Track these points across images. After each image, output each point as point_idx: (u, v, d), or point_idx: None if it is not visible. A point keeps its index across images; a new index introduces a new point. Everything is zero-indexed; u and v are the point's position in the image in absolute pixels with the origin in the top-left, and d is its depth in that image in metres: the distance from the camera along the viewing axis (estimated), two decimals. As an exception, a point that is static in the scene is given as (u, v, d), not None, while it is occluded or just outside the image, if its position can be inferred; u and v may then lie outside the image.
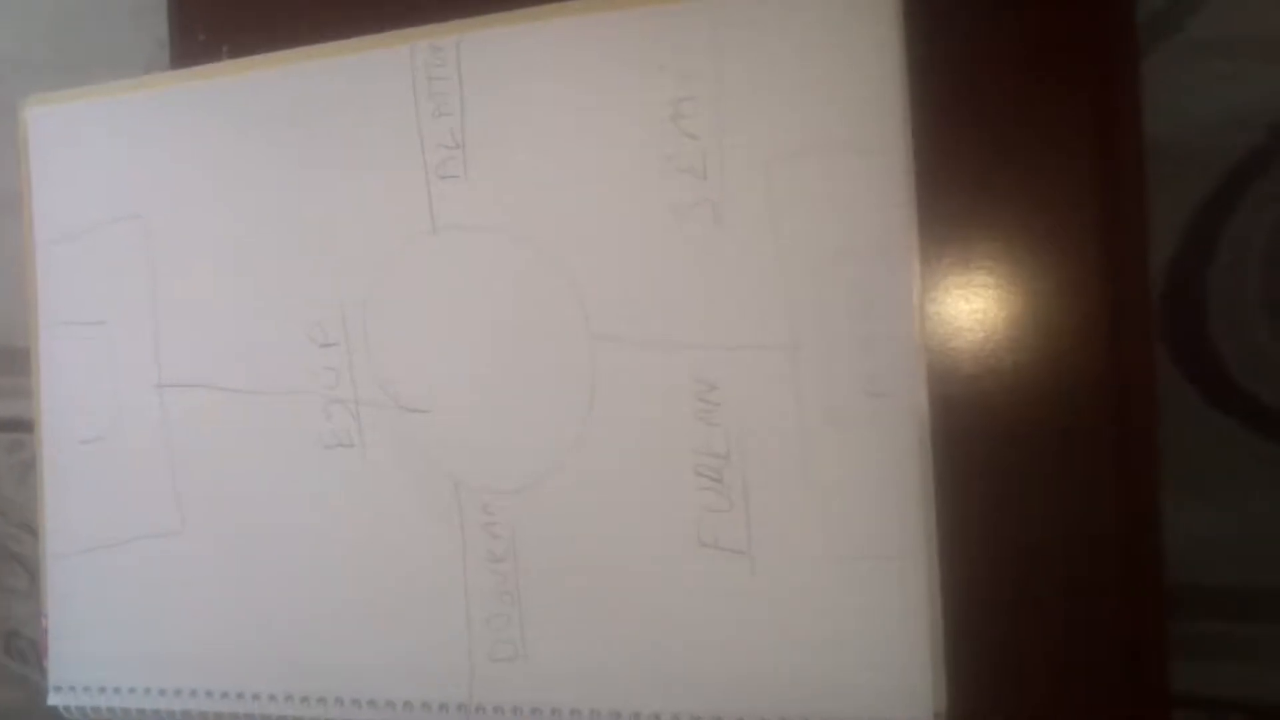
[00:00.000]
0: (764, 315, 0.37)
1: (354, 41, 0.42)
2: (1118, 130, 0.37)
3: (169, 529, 0.45)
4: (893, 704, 0.36)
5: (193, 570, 0.45)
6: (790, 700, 0.37)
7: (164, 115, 0.45)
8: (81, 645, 0.47)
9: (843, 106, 0.36)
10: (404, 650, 0.41)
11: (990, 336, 0.37)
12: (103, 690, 0.46)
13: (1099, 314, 0.37)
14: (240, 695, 0.44)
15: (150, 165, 0.45)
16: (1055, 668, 0.37)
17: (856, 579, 0.36)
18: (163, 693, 0.45)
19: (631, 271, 0.38)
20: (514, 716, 0.40)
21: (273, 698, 0.43)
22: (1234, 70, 0.41)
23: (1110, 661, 0.36)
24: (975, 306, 0.38)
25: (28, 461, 0.61)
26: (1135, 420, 0.36)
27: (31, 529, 0.61)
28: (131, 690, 0.45)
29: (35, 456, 0.49)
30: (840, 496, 0.36)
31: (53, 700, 0.47)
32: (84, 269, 0.47)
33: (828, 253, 0.36)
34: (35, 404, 0.48)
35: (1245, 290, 0.42)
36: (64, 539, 0.47)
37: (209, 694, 0.44)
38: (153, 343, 0.45)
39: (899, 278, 0.36)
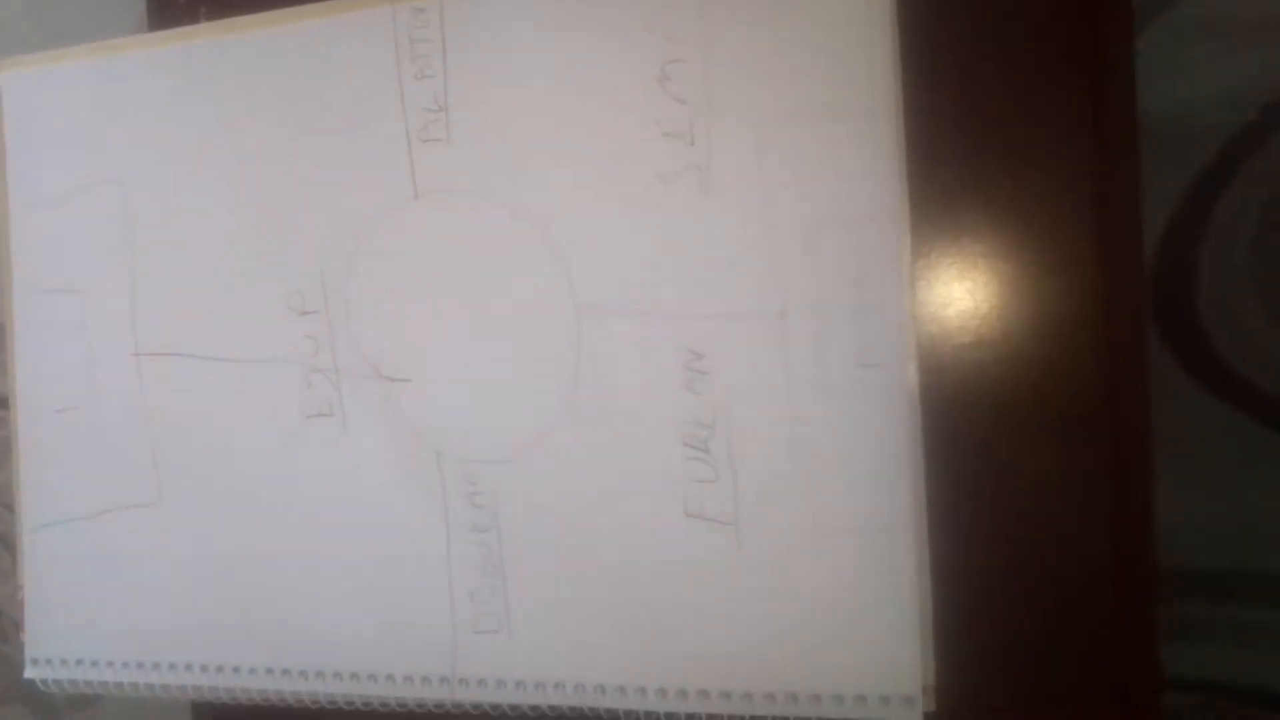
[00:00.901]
0: (752, 284, 0.36)
1: (334, 3, 0.41)
2: (1112, 100, 0.36)
3: (146, 500, 0.44)
4: (880, 678, 0.35)
5: (170, 542, 0.44)
6: (776, 673, 0.36)
7: (141, 78, 0.44)
8: (58, 618, 0.46)
9: (833, 72, 0.36)
10: (386, 623, 0.41)
11: (982, 307, 0.37)
12: (80, 663, 0.45)
13: (1092, 285, 0.36)
14: (220, 669, 0.43)
15: (127, 130, 0.44)
16: (1044, 644, 0.36)
17: (844, 552, 0.36)
18: (140, 666, 0.44)
19: (617, 239, 0.38)
20: (498, 689, 0.40)
21: (253, 671, 0.43)
22: (1225, 48, 0.40)
23: (1099, 640, 0.36)
24: (967, 276, 0.37)
25: (6, 438, 0.60)
26: (1127, 393, 0.36)
27: (9, 506, 0.60)
28: (110, 664, 0.45)
29: (13, 433, 0.48)
30: (829, 468, 0.36)
31: (29, 673, 0.46)
32: (60, 235, 0.46)
33: (817, 221, 0.36)
34: (9, 372, 0.47)
35: (1235, 270, 0.41)
36: (40, 511, 0.46)
37: (188, 668, 0.44)
38: (129, 311, 0.44)
39: (889, 247, 0.35)
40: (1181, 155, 0.42)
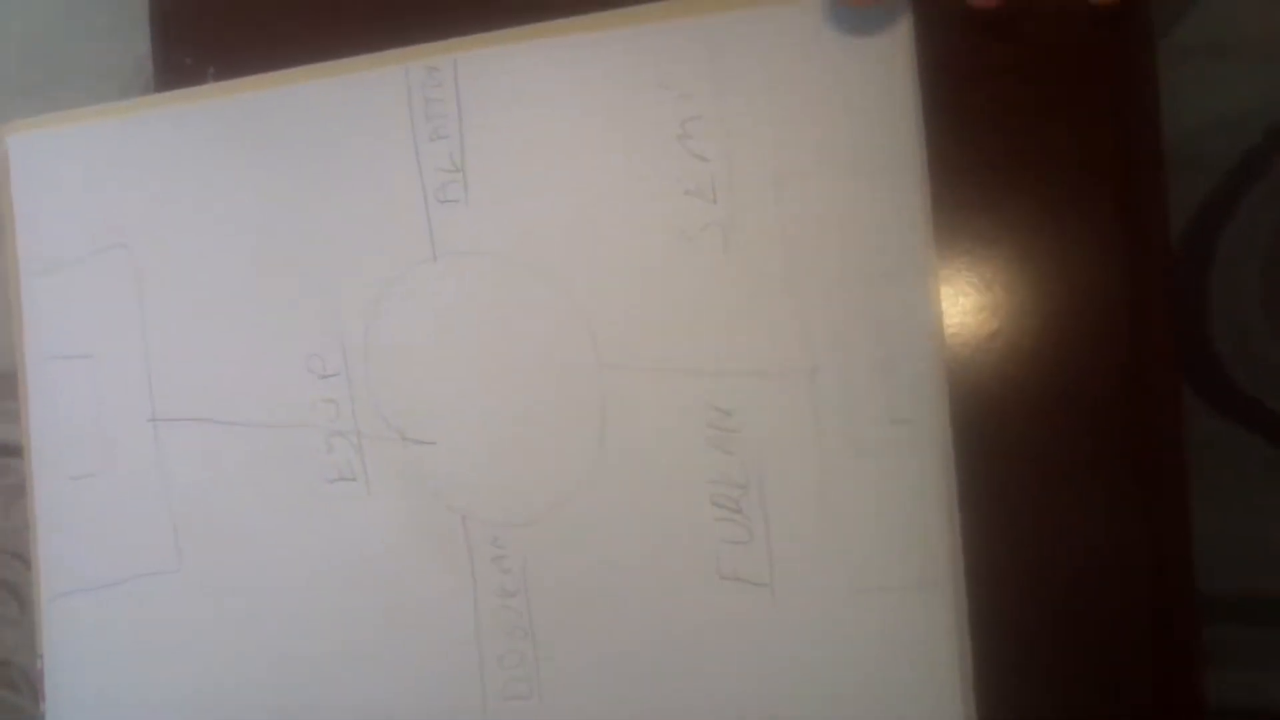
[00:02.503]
0: (778, 340, 0.36)
1: (346, 62, 0.40)
2: (1135, 142, 0.36)
3: (165, 567, 0.44)
4: (922, 737, 0.35)
5: (191, 608, 0.43)
6: (816, 735, 0.36)
7: (150, 140, 0.43)
8: (78, 685, 0.46)
9: (854, 123, 0.35)
10: (414, 689, 0.40)
11: (1013, 357, 0.36)
12: (101, 733, 0.45)
13: (1121, 329, 0.36)
14: (245, 737, 0.43)
15: (136, 193, 0.44)
16: (1087, 690, 0.36)
17: (882, 609, 0.35)
18: (164, 735, 0.44)
19: (640, 297, 0.37)
20: (529, 755, 0.39)
21: (278, 739, 0.42)
22: (1224, 74, 0.40)
23: (1141, 681, 0.35)
24: (996, 328, 0.37)
25: (16, 486, 0.59)
26: (1161, 435, 0.36)
27: (20, 556, 0.60)
28: (132, 733, 0.44)
29: (21, 482, 0.48)
30: (863, 525, 0.35)
31: (50, 743, 0.46)
32: (70, 301, 0.45)
33: (843, 275, 0.35)
34: (24, 439, 0.46)
35: (1245, 294, 0.41)
36: (58, 577, 0.46)
37: (212, 735, 0.43)
38: (144, 375, 0.44)
39: (918, 300, 0.35)
40: (1187, 180, 0.41)
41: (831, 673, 0.36)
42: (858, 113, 0.35)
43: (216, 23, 0.45)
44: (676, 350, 0.37)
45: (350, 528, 0.41)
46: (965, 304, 0.37)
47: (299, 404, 0.41)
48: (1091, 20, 0.35)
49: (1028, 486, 0.36)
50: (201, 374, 0.43)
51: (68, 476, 0.45)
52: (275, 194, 0.41)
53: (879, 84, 0.35)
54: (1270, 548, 0.42)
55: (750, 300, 0.36)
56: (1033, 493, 0.36)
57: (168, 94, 0.44)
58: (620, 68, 0.37)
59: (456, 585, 0.40)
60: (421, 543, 0.40)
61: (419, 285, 0.40)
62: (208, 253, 0.43)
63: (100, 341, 0.45)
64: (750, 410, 0.36)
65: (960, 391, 0.36)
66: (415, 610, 0.40)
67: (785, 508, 0.36)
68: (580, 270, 0.38)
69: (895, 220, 0.35)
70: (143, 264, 0.44)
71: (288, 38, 0.42)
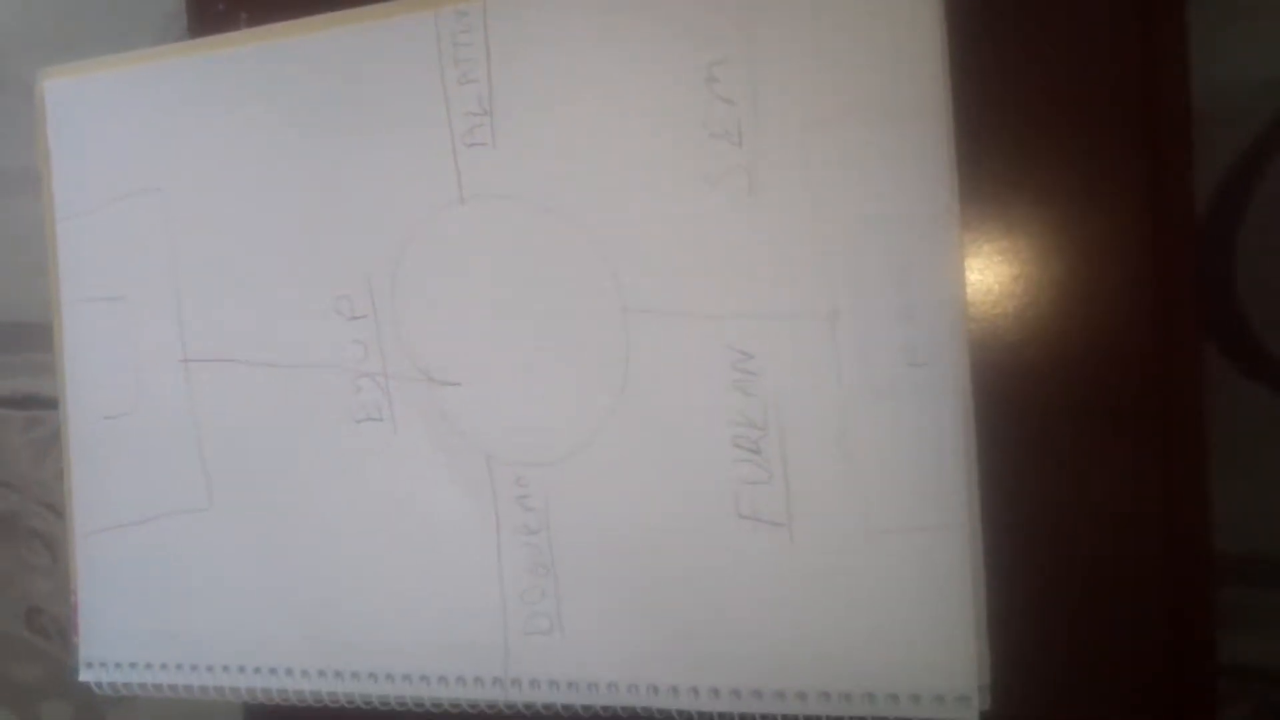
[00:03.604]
0: (801, 283, 0.36)
1: (376, 7, 0.41)
2: (1164, 91, 0.36)
3: (196, 505, 0.45)
4: (934, 677, 0.35)
5: (221, 546, 0.44)
6: (830, 674, 0.36)
7: (183, 86, 0.44)
8: (111, 621, 0.47)
9: (881, 69, 0.35)
10: (437, 624, 0.41)
11: (1033, 304, 0.37)
12: (134, 666, 0.46)
13: (1145, 282, 0.36)
14: (273, 671, 0.44)
15: (169, 137, 0.44)
16: (1100, 639, 0.36)
17: (897, 551, 0.36)
18: (194, 668, 0.45)
19: (665, 240, 0.38)
20: (549, 690, 0.40)
21: (305, 673, 0.43)
22: (1261, 31, 0.40)
23: (1156, 634, 0.36)
24: (1018, 273, 0.37)
25: (46, 438, 0.61)
26: (1181, 387, 0.36)
27: (51, 506, 0.61)
28: (163, 666, 0.45)
29: (53, 433, 0.49)
30: (881, 467, 0.36)
31: (84, 676, 0.47)
32: (104, 244, 0.46)
33: (866, 219, 0.36)
34: (60, 380, 0.47)
35: (1275, 255, 0.41)
36: (92, 516, 0.47)
37: (240, 670, 0.44)
38: (176, 318, 0.45)
39: (940, 244, 0.35)
40: (1218, 141, 0.41)
41: (846, 610, 0.36)
42: (885, 58, 0.35)
43: (249, -30, 0.46)
44: (699, 293, 0.37)
45: (377, 467, 0.42)
46: (987, 250, 0.37)
47: (327, 345, 0.42)
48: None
49: (1045, 432, 0.36)
50: (232, 316, 0.44)
51: (101, 416, 0.46)
52: (305, 138, 0.42)
53: (906, 30, 0.35)
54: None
55: (773, 244, 0.36)
56: (1050, 439, 0.36)
57: (200, 40, 0.45)
58: (649, 11, 0.37)
59: (480, 523, 0.40)
60: (446, 481, 0.41)
61: (446, 228, 0.40)
62: (238, 196, 0.43)
63: (133, 284, 0.45)
64: (771, 353, 0.37)
65: (979, 337, 0.36)
66: (440, 547, 0.41)
67: (804, 449, 0.36)
68: (605, 213, 0.38)
69: (919, 166, 0.35)
70: (174, 208, 0.44)
71: (319, -17, 0.42)
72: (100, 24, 0.55)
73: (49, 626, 0.64)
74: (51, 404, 0.49)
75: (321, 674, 0.43)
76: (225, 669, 0.44)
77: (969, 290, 0.36)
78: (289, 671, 0.43)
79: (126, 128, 0.45)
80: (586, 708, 0.40)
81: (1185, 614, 0.36)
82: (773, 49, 0.36)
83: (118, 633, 0.47)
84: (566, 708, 0.40)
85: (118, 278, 0.46)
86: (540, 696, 0.40)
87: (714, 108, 0.37)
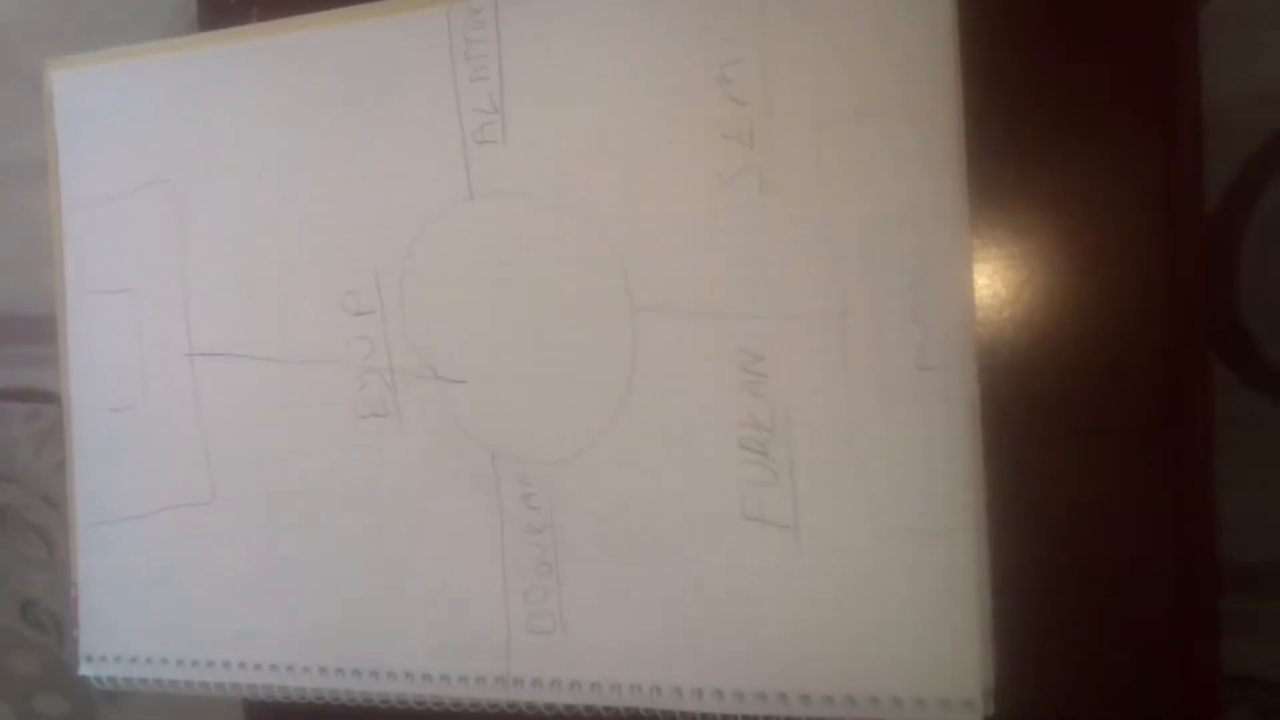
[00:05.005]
0: (811, 284, 0.36)
1: (389, 3, 0.41)
2: (1175, 95, 0.36)
3: (199, 499, 0.45)
4: (941, 680, 0.35)
5: (224, 541, 0.44)
6: (836, 676, 0.36)
7: (193, 78, 0.44)
8: (112, 616, 0.47)
9: (893, 70, 0.35)
10: (440, 622, 0.41)
11: (1042, 308, 0.37)
12: (134, 660, 0.46)
13: (1153, 287, 0.36)
14: (273, 667, 0.43)
15: (178, 130, 0.44)
16: (1105, 645, 0.36)
17: (904, 554, 0.36)
18: (195, 664, 0.45)
19: (675, 240, 0.37)
20: (552, 689, 0.40)
21: (306, 669, 0.43)
22: (1262, 41, 0.40)
23: (1161, 641, 0.36)
24: (1027, 278, 0.37)
25: (46, 431, 0.60)
26: (1189, 393, 0.36)
27: (50, 499, 0.61)
28: (164, 661, 0.45)
29: (54, 426, 0.49)
30: (889, 469, 0.36)
31: (84, 670, 0.47)
32: (111, 236, 0.46)
33: (877, 221, 0.36)
34: (63, 372, 0.47)
35: (1277, 265, 0.41)
36: (94, 509, 0.47)
37: (241, 666, 0.44)
38: (183, 311, 0.44)
39: (950, 247, 0.35)
40: (1221, 150, 0.41)
41: (851, 613, 0.36)
42: (897, 60, 0.35)
43: (261, -36, 0.46)
44: (709, 293, 0.37)
45: (381, 463, 0.42)
46: (997, 253, 0.37)
47: (334, 340, 0.42)
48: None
49: (1051, 437, 0.36)
50: (239, 310, 0.44)
51: (106, 409, 0.46)
52: (316, 133, 0.42)
53: (918, 32, 0.35)
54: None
55: (784, 245, 0.36)
56: (1057, 444, 0.36)
57: (211, 33, 0.45)
58: (662, 11, 0.37)
59: (484, 520, 0.40)
60: (451, 478, 0.41)
61: (455, 225, 0.40)
62: (247, 190, 0.43)
63: (140, 277, 0.45)
64: (780, 354, 0.37)
65: (988, 340, 0.36)
66: (443, 544, 0.41)
67: (811, 451, 0.36)
68: (615, 212, 0.38)
69: (930, 168, 0.35)
70: (183, 200, 0.44)
71: (331, -21, 0.42)
72: (107, 15, 0.55)
73: (45, 620, 0.64)
74: (52, 397, 0.48)
75: (323, 671, 0.43)
76: (226, 665, 0.44)
77: (978, 292, 0.36)
78: (290, 668, 0.43)
79: (135, 120, 0.45)
80: (589, 708, 0.40)
81: (1190, 621, 0.36)
82: (785, 50, 0.36)
83: (118, 627, 0.46)
84: (569, 708, 0.40)
85: (125, 270, 0.46)
86: (542, 696, 0.40)
87: (726, 108, 0.37)
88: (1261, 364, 0.41)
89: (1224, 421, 0.38)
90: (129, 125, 0.45)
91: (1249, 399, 0.41)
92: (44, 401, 0.60)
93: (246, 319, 0.43)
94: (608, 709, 0.39)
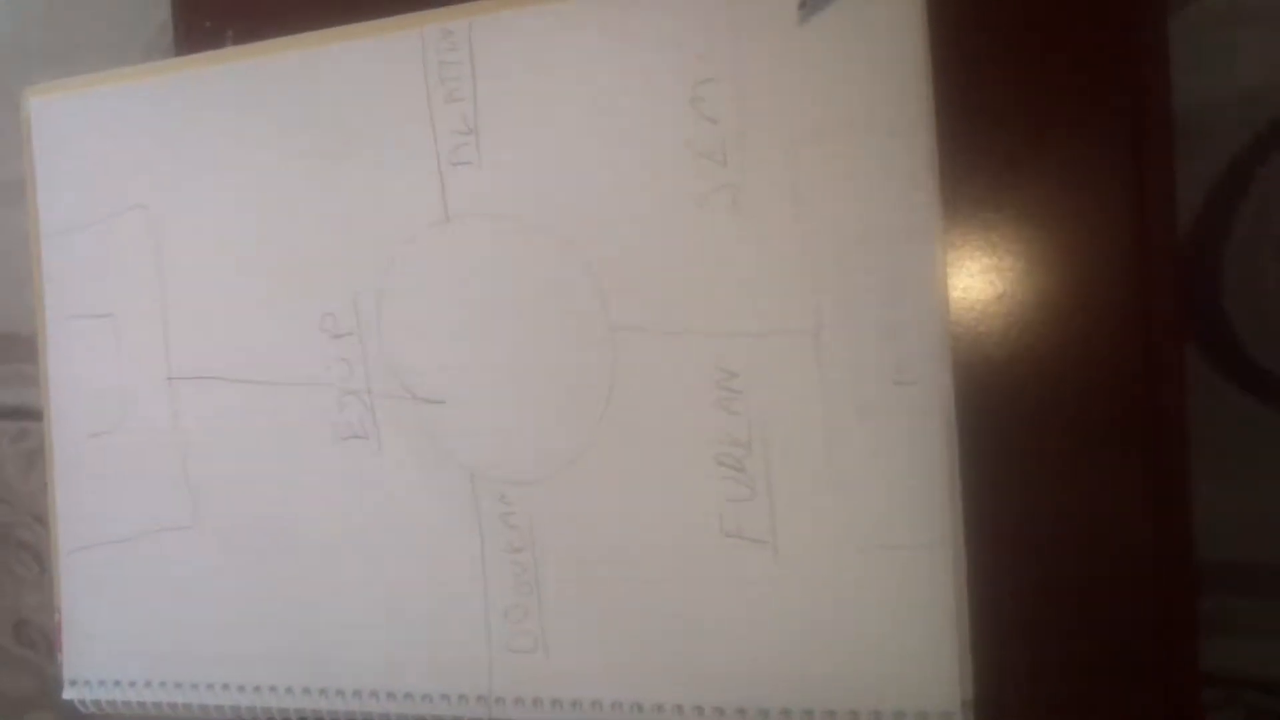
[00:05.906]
0: (786, 301, 0.36)
1: (363, 26, 0.41)
2: (1145, 105, 0.36)
3: (181, 522, 0.45)
4: (920, 693, 0.35)
5: (206, 563, 0.44)
6: (815, 691, 0.36)
7: (169, 103, 0.44)
8: (96, 639, 0.47)
9: (864, 88, 0.36)
10: (422, 642, 0.41)
11: (1017, 321, 0.37)
12: (118, 684, 0.46)
13: (1127, 297, 0.36)
14: (256, 689, 0.44)
15: (156, 154, 0.44)
16: (1084, 652, 0.36)
17: (882, 568, 0.36)
18: (178, 686, 0.45)
19: (650, 259, 0.38)
20: (534, 708, 0.40)
21: (289, 690, 0.43)
22: (1247, 40, 0.40)
23: (1140, 651, 0.36)
24: (1002, 290, 0.37)
25: (34, 449, 0.60)
26: (1165, 402, 0.36)
27: (39, 517, 0.61)
28: (147, 684, 0.45)
29: (42, 445, 0.49)
30: (865, 484, 0.36)
31: (68, 694, 0.47)
32: (90, 261, 0.46)
33: (851, 238, 0.36)
34: (43, 395, 0.47)
35: (1261, 266, 0.41)
36: (76, 533, 0.47)
37: (225, 687, 0.44)
38: (162, 335, 0.45)
39: (924, 263, 0.35)
40: (1205, 151, 0.41)
41: (830, 627, 0.36)
42: (869, 77, 0.36)
43: (236, -12, 0.46)
44: (685, 312, 0.37)
45: (361, 484, 0.42)
46: (971, 267, 0.37)
47: (312, 363, 0.42)
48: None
49: (1028, 449, 0.36)
50: (218, 333, 0.44)
51: (87, 434, 0.46)
52: (291, 156, 0.42)
53: (889, 48, 0.35)
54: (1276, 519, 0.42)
55: (758, 262, 0.37)
56: (1034, 455, 0.36)
57: (187, 58, 0.45)
58: (635, 30, 0.37)
59: (464, 540, 0.40)
60: (431, 499, 0.41)
61: (431, 246, 0.40)
62: (225, 213, 0.43)
63: (120, 301, 0.45)
64: (756, 371, 0.37)
65: (964, 354, 0.36)
66: (424, 565, 0.41)
67: (788, 467, 0.37)
68: (590, 232, 0.38)
69: (903, 184, 0.35)
70: (161, 225, 0.44)
71: (305, 2, 0.42)
72: (87, 37, 0.55)
73: (36, 639, 0.64)
74: (40, 416, 0.48)
75: (306, 691, 0.43)
76: (209, 686, 0.44)
77: (953, 307, 0.37)
78: (273, 689, 0.43)
79: (112, 145, 0.45)
80: (571, 726, 0.40)
81: (1169, 627, 0.36)
82: (757, 69, 0.36)
83: (102, 650, 0.46)
84: (551, 726, 0.40)
85: (104, 295, 0.46)
86: (524, 715, 0.40)
87: (699, 127, 0.37)
88: (1247, 364, 0.41)
89: (1211, 423, 0.39)
90: (106, 150, 0.45)
91: (1235, 399, 0.41)
92: (32, 420, 0.60)
93: (226, 342, 0.43)
94: (590, 727, 0.39)
